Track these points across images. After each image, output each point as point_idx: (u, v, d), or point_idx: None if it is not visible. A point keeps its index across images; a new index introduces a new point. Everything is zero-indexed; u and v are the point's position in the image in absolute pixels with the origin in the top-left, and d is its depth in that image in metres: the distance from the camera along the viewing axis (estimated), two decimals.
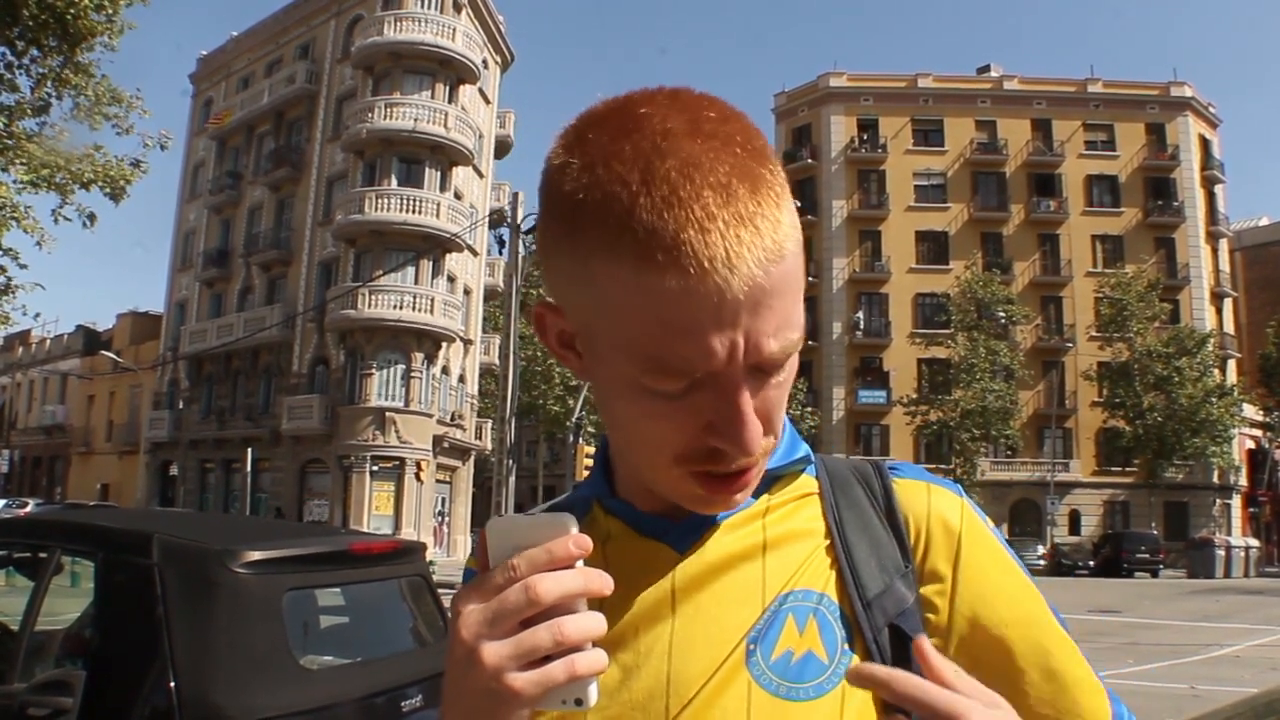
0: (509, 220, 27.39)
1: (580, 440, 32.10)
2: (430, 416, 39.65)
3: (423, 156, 40.04)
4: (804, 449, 1.01)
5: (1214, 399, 47.07)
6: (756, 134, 0.83)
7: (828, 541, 0.95)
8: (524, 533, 0.75)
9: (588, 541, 0.75)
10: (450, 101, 41.28)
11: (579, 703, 0.73)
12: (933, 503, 0.97)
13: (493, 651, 0.71)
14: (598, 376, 0.88)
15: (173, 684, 3.29)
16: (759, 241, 0.77)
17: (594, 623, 0.73)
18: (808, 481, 1.00)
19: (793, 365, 0.86)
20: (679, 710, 0.88)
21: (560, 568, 0.73)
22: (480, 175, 46.28)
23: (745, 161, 0.80)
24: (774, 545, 0.94)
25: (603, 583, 0.74)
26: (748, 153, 0.81)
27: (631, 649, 0.91)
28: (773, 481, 0.97)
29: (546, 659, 0.71)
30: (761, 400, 0.83)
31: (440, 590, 4.92)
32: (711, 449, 0.83)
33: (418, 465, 38.65)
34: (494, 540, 0.77)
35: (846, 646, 0.89)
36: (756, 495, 0.96)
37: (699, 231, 0.76)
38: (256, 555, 3.65)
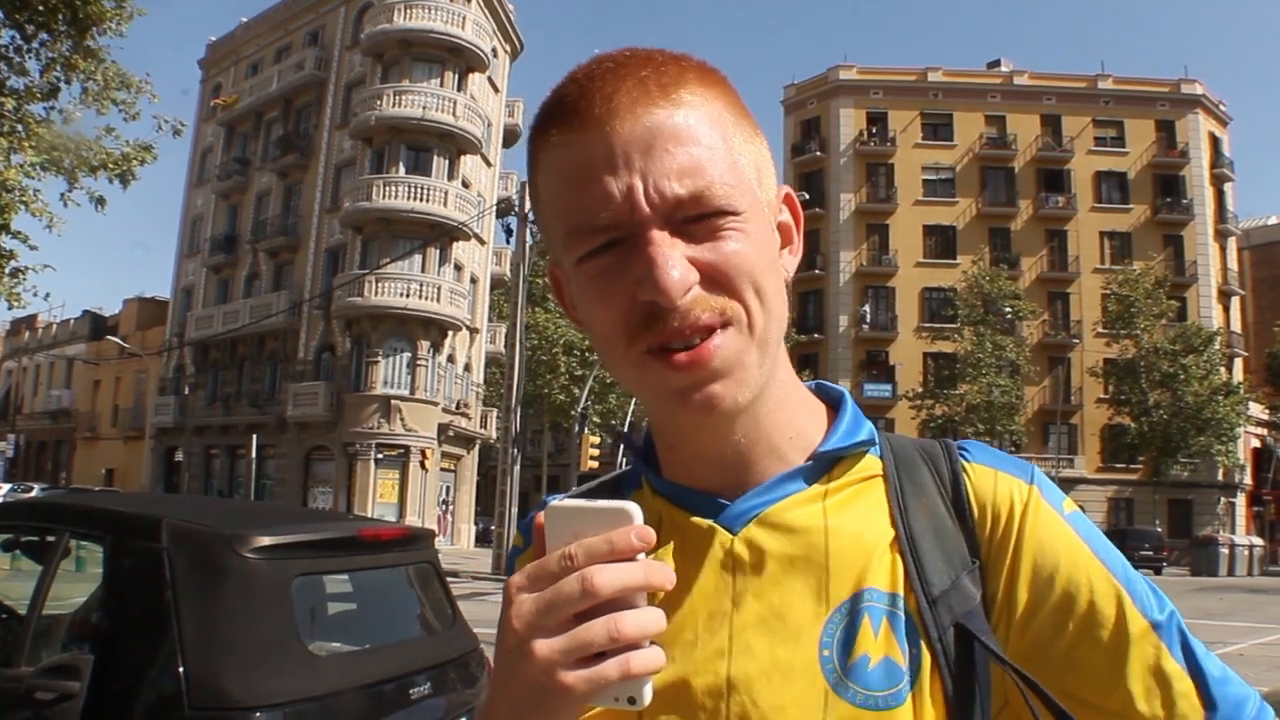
0: (516, 209, 27.36)
1: (585, 430, 32.07)
2: (435, 405, 39.65)
3: (431, 144, 39.98)
4: (867, 429, 0.96)
5: (1220, 397, 46.88)
6: (691, 58, 0.86)
7: (893, 532, 0.89)
8: (585, 520, 0.72)
9: (651, 534, 0.71)
10: (459, 90, 41.23)
11: (632, 701, 0.71)
12: (999, 490, 0.92)
13: (545, 645, 0.68)
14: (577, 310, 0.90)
15: (181, 669, 3.27)
16: (642, 89, 0.80)
17: (652, 619, 0.70)
18: (871, 463, 0.95)
19: (750, 232, 0.83)
20: (741, 712, 0.84)
21: (621, 559, 0.70)
22: (488, 164, 46.22)
23: (654, 57, 0.84)
24: (836, 533, 0.89)
25: (665, 578, 0.71)
26: (669, 59, 0.84)
27: (688, 642, 0.87)
28: (833, 463, 0.93)
29: (601, 654, 0.68)
30: (707, 253, 0.81)
31: (446, 578, 4.91)
32: (647, 308, 0.80)
33: (422, 453, 38.71)
34: (552, 526, 0.74)
35: (915, 649, 0.85)
36: (813, 479, 0.92)
37: (581, 90, 0.81)
38: (266, 540, 3.63)
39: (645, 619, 0.69)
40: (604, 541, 0.70)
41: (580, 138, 0.80)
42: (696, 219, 0.80)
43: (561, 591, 0.69)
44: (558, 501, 0.76)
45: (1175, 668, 0.85)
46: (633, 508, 0.72)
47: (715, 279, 0.81)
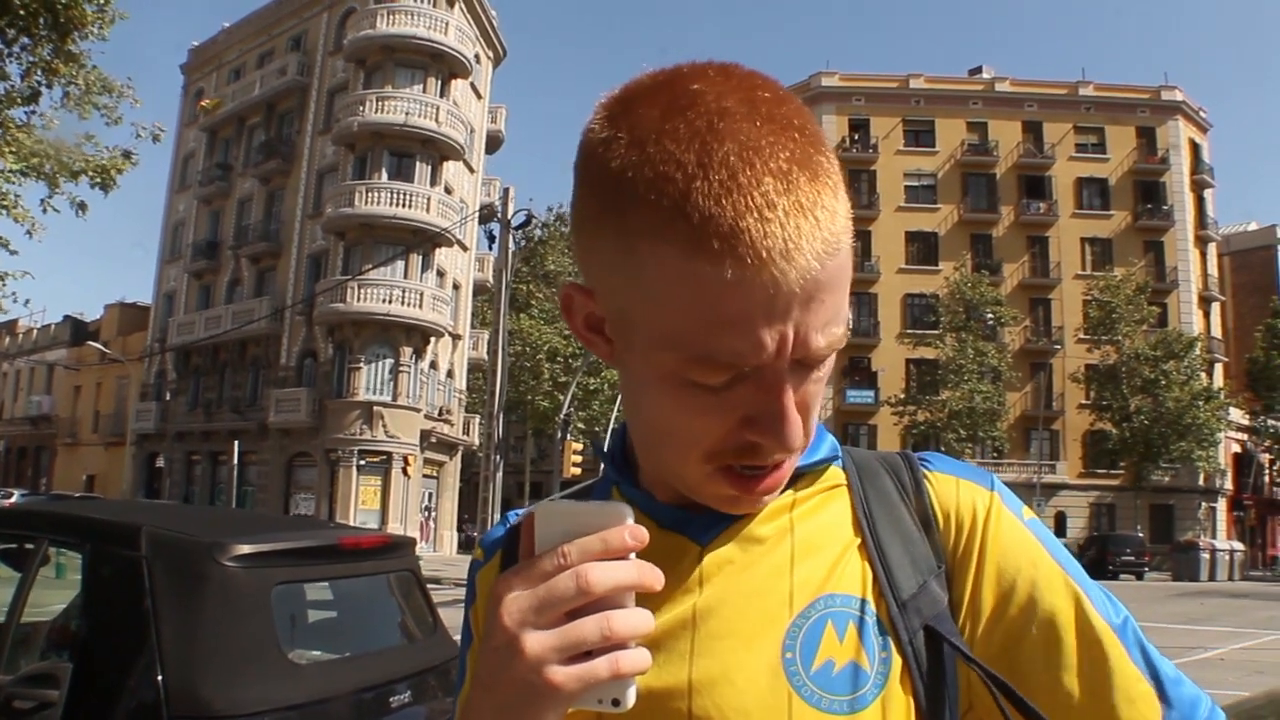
0: (499, 215, 27.35)
1: (568, 436, 32.06)
2: (418, 411, 39.57)
3: (414, 150, 39.98)
4: (829, 444, 0.96)
5: (1201, 402, 47.14)
6: (811, 118, 0.79)
7: (859, 539, 0.90)
8: (576, 519, 0.71)
9: (644, 534, 0.71)
10: (442, 96, 41.23)
11: (616, 703, 0.69)
12: (961, 497, 0.92)
13: (536, 641, 0.67)
14: (629, 364, 0.84)
15: (160, 677, 3.26)
16: (817, 233, 0.73)
17: (642, 619, 0.69)
18: (834, 473, 0.95)
19: (831, 359, 0.81)
20: (704, 715, 0.83)
21: (613, 558, 0.69)
22: (471, 170, 46.18)
23: (804, 147, 0.75)
24: (803, 541, 0.89)
25: (655, 578, 0.70)
26: (805, 138, 0.76)
27: (653, 647, 0.83)
28: (799, 476, 0.93)
29: (588, 654, 0.68)
30: (801, 395, 0.80)
31: (428, 586, 4.90)
32: (748, 443, 0.80)
33: (405, 460, 38.63)
34: (543, 525, 0.72)
35: (884, 653, 0.85)
36: (781, 490, 0.91)
37: (759, 220, 0.71)
38: (246, 549, 3.62)
39: (635, 619, 0.69)
40: (598, 540, 0.69)
41: (747, 275, 0.72)
42: (816, 361, 0.80)
43: (556, 588, 0.68)
44: (548, 502, 0.74)
45: (1133, 669, 0.86)
46: (624, 508, 0.72)
47: (804, 419, 0.81)
